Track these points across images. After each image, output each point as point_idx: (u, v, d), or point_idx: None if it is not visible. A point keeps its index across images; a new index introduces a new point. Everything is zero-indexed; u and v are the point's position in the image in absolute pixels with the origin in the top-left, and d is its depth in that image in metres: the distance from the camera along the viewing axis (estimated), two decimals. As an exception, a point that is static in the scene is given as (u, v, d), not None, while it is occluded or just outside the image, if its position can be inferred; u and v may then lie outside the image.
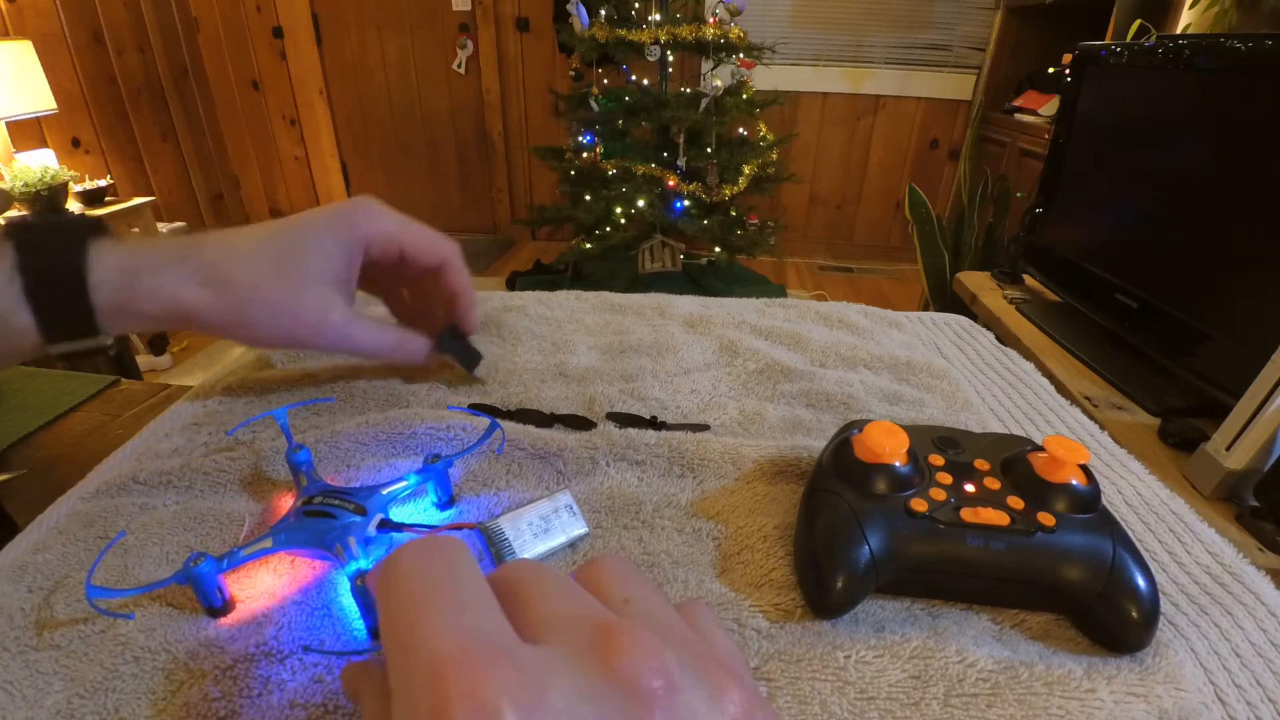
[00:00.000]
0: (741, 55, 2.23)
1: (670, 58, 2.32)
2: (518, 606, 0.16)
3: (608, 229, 2.34)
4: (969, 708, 0.23)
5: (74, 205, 2.11)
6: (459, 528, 0.30)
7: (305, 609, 0.27)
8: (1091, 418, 0.48)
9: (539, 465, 0.36)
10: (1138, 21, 1.51)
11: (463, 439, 0.37)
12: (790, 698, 0.24)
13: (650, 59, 2.18)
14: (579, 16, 2.14)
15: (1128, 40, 1.36)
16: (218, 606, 0.27)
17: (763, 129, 2.42)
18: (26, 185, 1.92)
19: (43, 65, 2.05)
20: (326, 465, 0.36)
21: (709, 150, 2.26)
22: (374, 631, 0.26)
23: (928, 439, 0.32)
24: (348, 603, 0.27)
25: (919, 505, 0.27)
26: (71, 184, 2.07)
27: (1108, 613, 0.25)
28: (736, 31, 2.13)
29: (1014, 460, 0.30)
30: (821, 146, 3.10)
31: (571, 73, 2.61)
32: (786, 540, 0.31)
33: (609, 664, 0.14)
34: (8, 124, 2.08)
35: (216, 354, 2.21)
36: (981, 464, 0.30)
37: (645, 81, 2.35)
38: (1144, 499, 0.36)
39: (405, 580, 0.16)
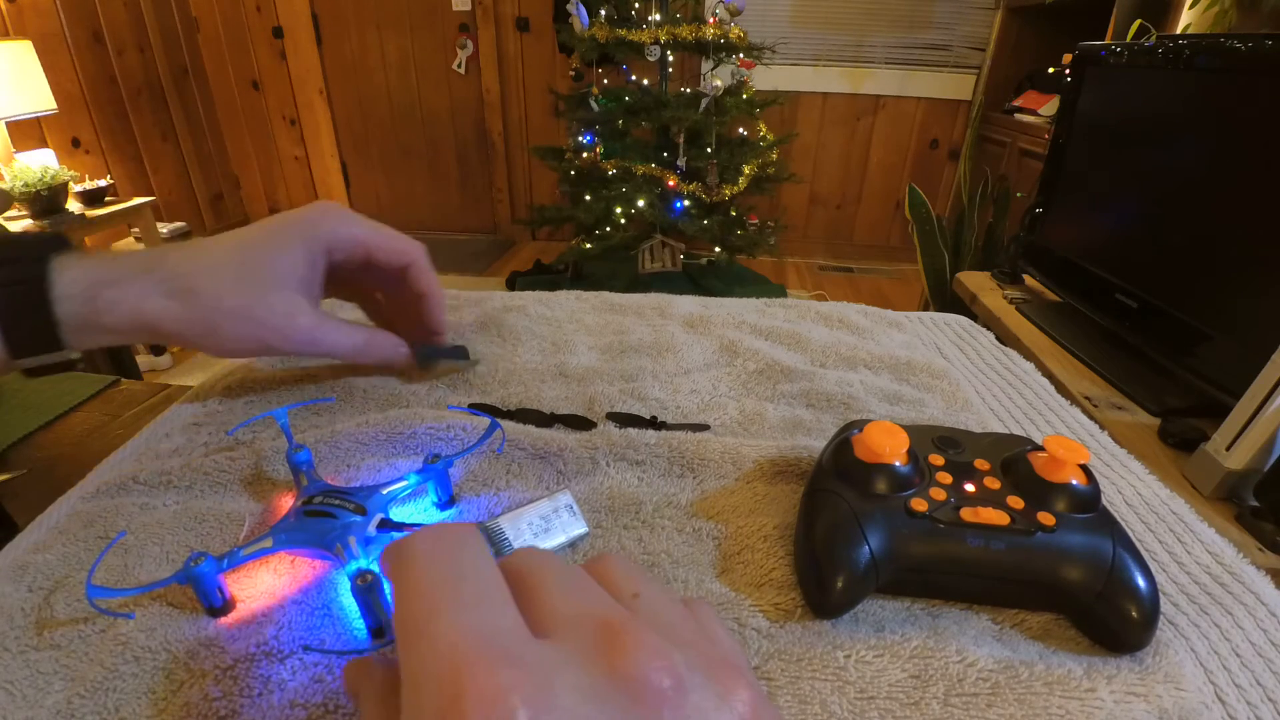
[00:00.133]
0: (741, 55, 2.23)
1: (670, 58, 2.32)
2: (528, 598, 0.16)
3: (608, 229, 2.34)
4: (969, 707, 0.23)
5: (74, 205, 2.10)
6: (459, 528, 0.30)
7: (305, 609, 0.27)
8: (1091, 418, 0.48)
9: (539, 465, 0.36)
10: (1138, 21, 1.51)
11: (463, 439, 0.37)
12: (790, 697, 0.24)
13: (650, 59, 2.18)
14: (579, 16, 2.14)
15: (1128, 40, 1.36)
16: (218, 606, 0.27)
17: (763, 129, 2.42)
18: (26, 185, 1.92)
19: (43, 65, 2.05)
20: (327, 465, 0.36)
21: (709, 150, 2.26)
22: (374, 631, 0.26)
23: (928, 439, 0.32)
24: (348, 603, 0.27)
25: (919, 505, 0.27)
26: (71, 184, 2.07)
27: (1108, 612, 0.25)
28: (736, 31, 2.13)
29: (1014, 460, 0.30)
30: (821, 146, 3.10)
31: (571, 73, 2.61)
32: (786, 540, 0.31)
33: (616, 664, 0.14)
34: (8, 124, 2.08)
35: (216, 354, 2.21)
36: (981, 464, 0.30)
37: (645, 81, 2.35)
38: (1144, 499, 0.36)
39: (420, 568, 0.16)
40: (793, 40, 2.86)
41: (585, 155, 2.37)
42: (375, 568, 0.26)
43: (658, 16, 2.15)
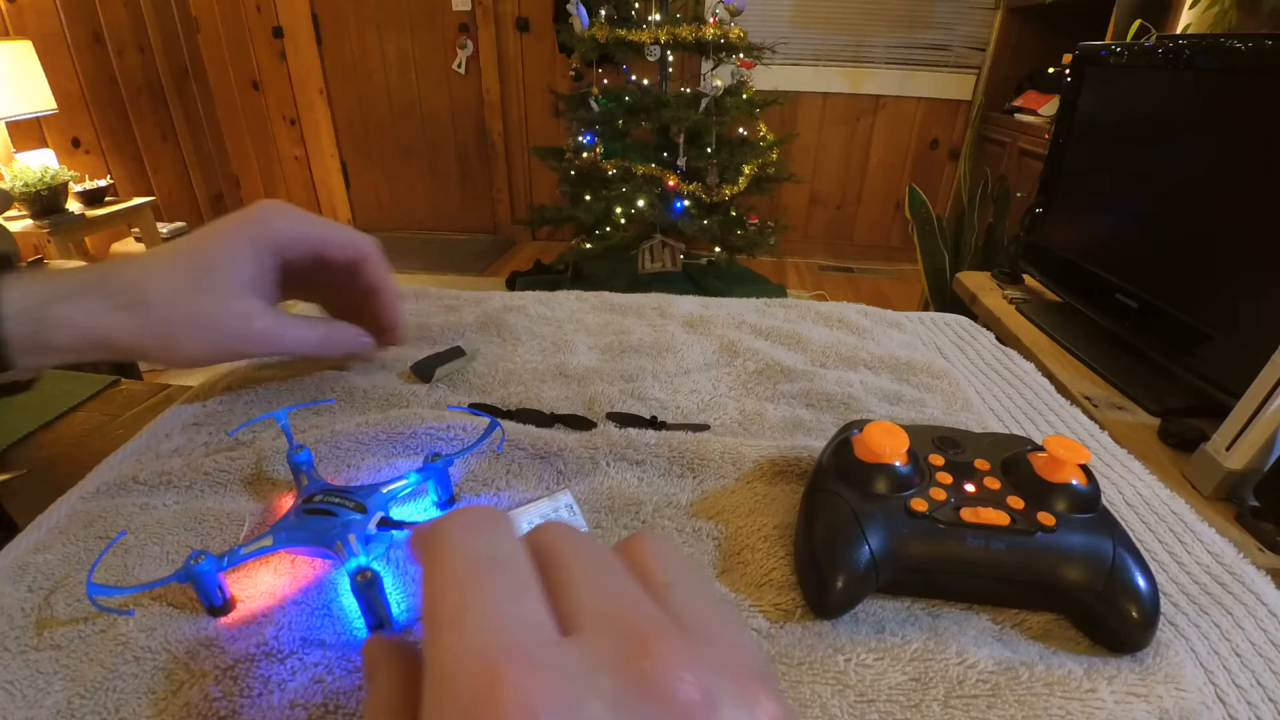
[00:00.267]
0: (741, 55, 2.22)
1: (670, 58, 2.32)
2: (556, 585, 0.16)
3: (608, 229, 2.34)
4: (969, 709, 0.23)
5: (74, 205, 2.11)
6: (459, 527, 0.30)
7: (305, 608, 0.27)
8: (1091, 418, 0.48)
9: (539, 465, 0.36)
10: (1138, 21, 1.52)
11: (463, 439, 0.37)
12: (791, 700, 0.24)
13: (650, 59, 2.18)
14: (579, 16, 2.14)
15: (1128, 40, 1.36)
16: (218, 605, 0.27)
17: (763, 129, 2.42)
18: (26, 185, 1.92)
19: (43, 65, 2.05)
20: (327, 465, 0.36)
21: (709, 150, 2.26)
22: (375, 629, 0.26)
23: (928, 439, 0.32)
24: (348, 602, 0.27)
25: (919, 505, 0.27)
26: (71, 184, 2.07)
27: (1108, 613, 0.25)
28: (736, 31, 2.13)
29: (1014, 460, 0.30)
30: (821, 146, 3.10)
31: (571, 73, 2.61)
32: (786, 540, 0.31)
33: (645, 673, 0.14)
34: (8, 124, 2.08)
35: (216, 354, 2.21)
36: (981, 464, 0.30)
37: (645, 81, 2.35)
38: (1144, 499, 0.36)
39: (450, 553, 0.16)
40: (793, 40, 2.86)
41: (585, 155, 2.37)
42: (375, 565, 0.26)
43: (658, 16, 2.15)
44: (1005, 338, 1.20)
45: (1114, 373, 1.04)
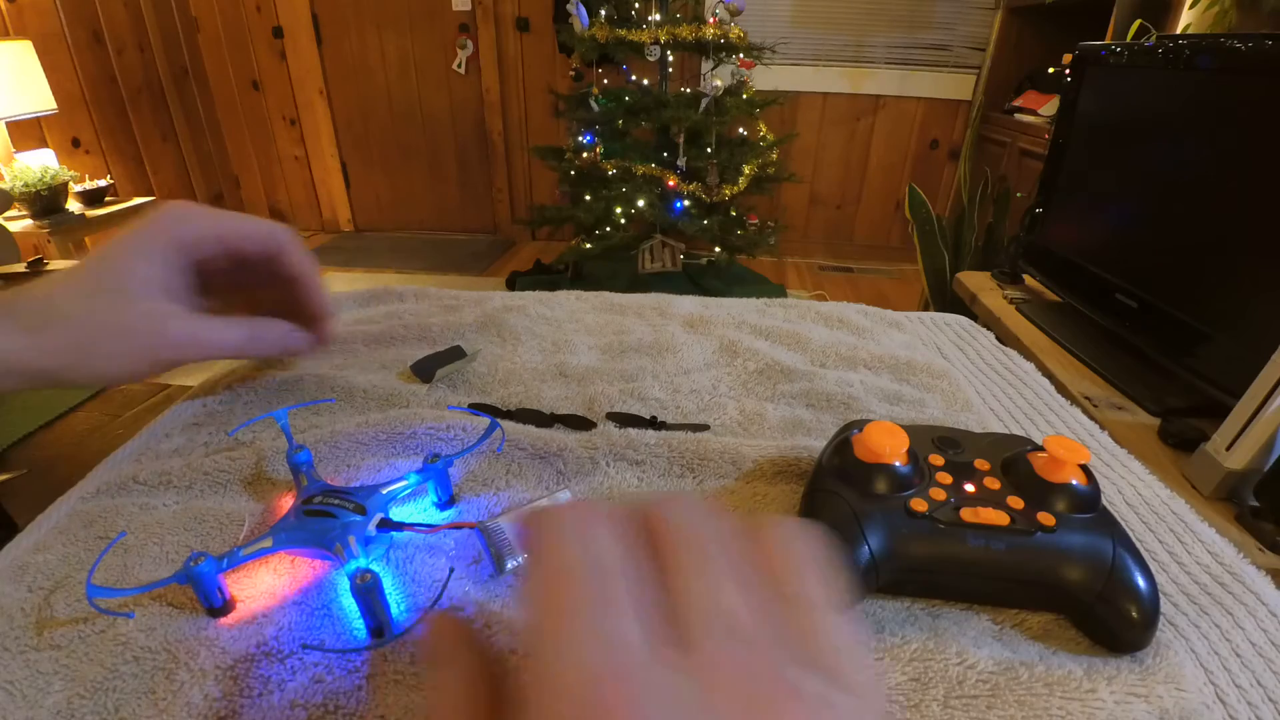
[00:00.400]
0: (741, 55, 2.22)
1: (670, 58, 2.32)
2: (673, 588, 0.15)
3: (608, 229, 2.34)
4: (969, 709, 0.23)
5: (74, 205, 2.11)
6: (459, 527, 0.30)
7: (305, 609, 0.27)
8: (1091, 418, 0.48)
9: (539, 465, 0.36)
10: (1138, 21, 1.51)
11: (462, 439, 0.37)
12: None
13: (650, 59, 2.18)
14: (579, 16, 2.14)
15: (1128, 40, 1.36)
16: (218, 606, 0.27)
17: (763, 129, 2.42)
18: (26, 185, 1.92)
19: (43, 65, 2.05)
20: (326, 465, 0.36)
21: (709, 150, 2.26)
22: (374, 631, 0.26)
23: (928, 439, 0.32)
24: (348, 603, 0.27)
25: (919, 505, 0.27)
26: (71, 184, 2.07)
27: (1108, 613, 0.25)
28: (736, 31, 2.13)
29: (1014, 460, 0.30)
30: (821, 146, 3.10)
31: (571, 73, 2.61)
32: (786, 540, 0.31)
33: None
34: (8, 124, 2.08)
35: (216, 354, 2.21)
36: (981, 464, 0.30)
37: (645, 81, 2.35)
38: (1144, 499, 0.36)
39: (555, 560, 0.15)
40: (793, 40, 2.86)
41: (585, 155, 2.37)
42: (375, 567, 0.26)
43: (658, 16, 2.15)
44: (1005, 338, 1.20)
45: (1114, 373, 1.04)
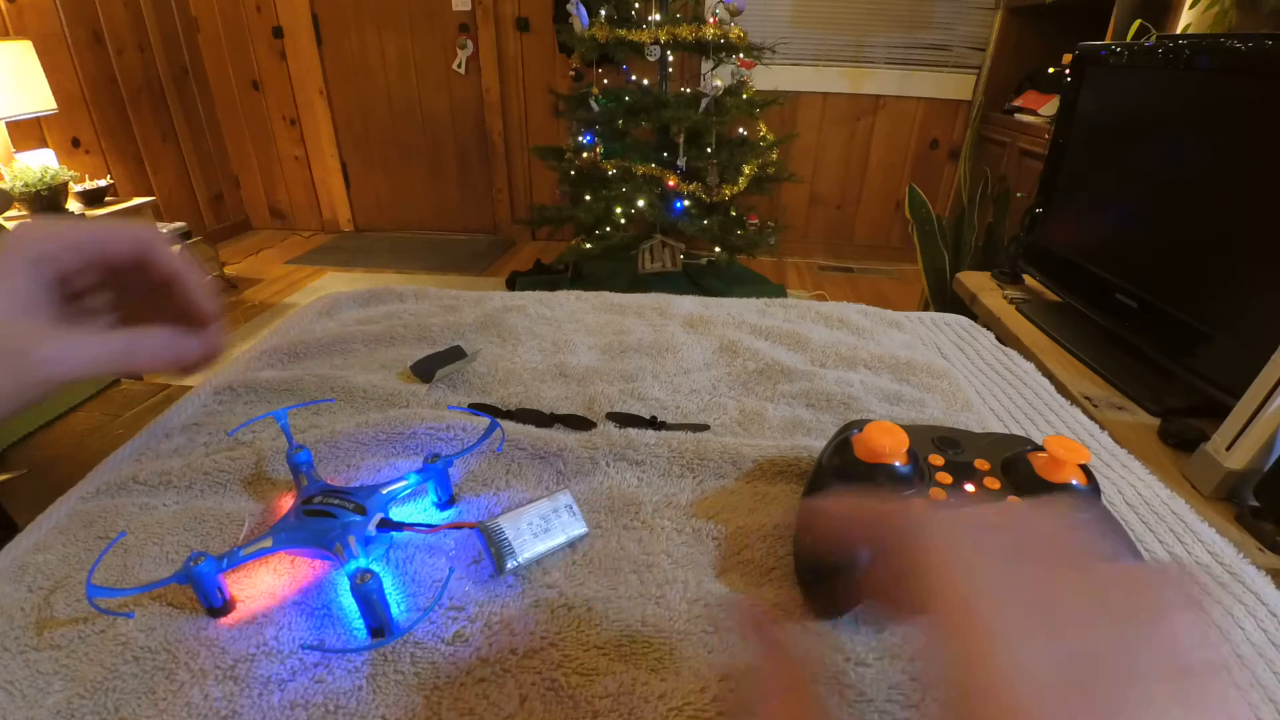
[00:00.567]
0: (741, 55, 2.22)
1: (670, 58, 2.32)
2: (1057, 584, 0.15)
3: (608, 229, 2.34)
4: (969, 708, 0.23)
5: (74, 205, 2.11)
6: (459, 527, 0.30)
7: (305, 609, 0.27)
8: (1091, 418, 0.48)
9: (539, 465, 0.36)
10: (1138, 21, 1.51)
11: (462, 439, 0.37)
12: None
13: (650, 59, 2.18)
14: (579, 16, 2.14)
15: (1128, 40, 1.36)
16: (218, 606, 0.27)
17: (763, 129, 2.42)
18: (26, 185, 1.92)
19: (43, 65, 2.05)
20: (326, 465, 0.36)
21: (709, 150, 2.26)
22: (374, 631, 0.26)
23: (928, 439, 0.32)
24: (348, 602, 0.27)
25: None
26: (71, 184, 2.08)
27: (1108, 613, 0.25)
28: (736, 31, 2.13)
29: (1014, 460, 0.30)
30: (821, 146, 3.10)
31: (571, 73, 2.61)
32: (786, 540, 0.31)
33: None
34: (8, 124, 2.08)
35: (216, 354, 2.21)
36: (981, 464, 0.30)
37: (645, 81, 2.35)
38: (1144, 499, 0.36)
39: (966, 598, 0.15)
40: (793, 40, 2.86)
41: (585, 155, 2.37)
42: (375, 567, 0.26)
43: (658, 16, 2.15)
44: (1005, 338, 1.20)
45: (1114, 373, 1.04)
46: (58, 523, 0.32)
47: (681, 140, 2.26)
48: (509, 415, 0.40)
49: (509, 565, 0.28)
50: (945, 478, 0.29)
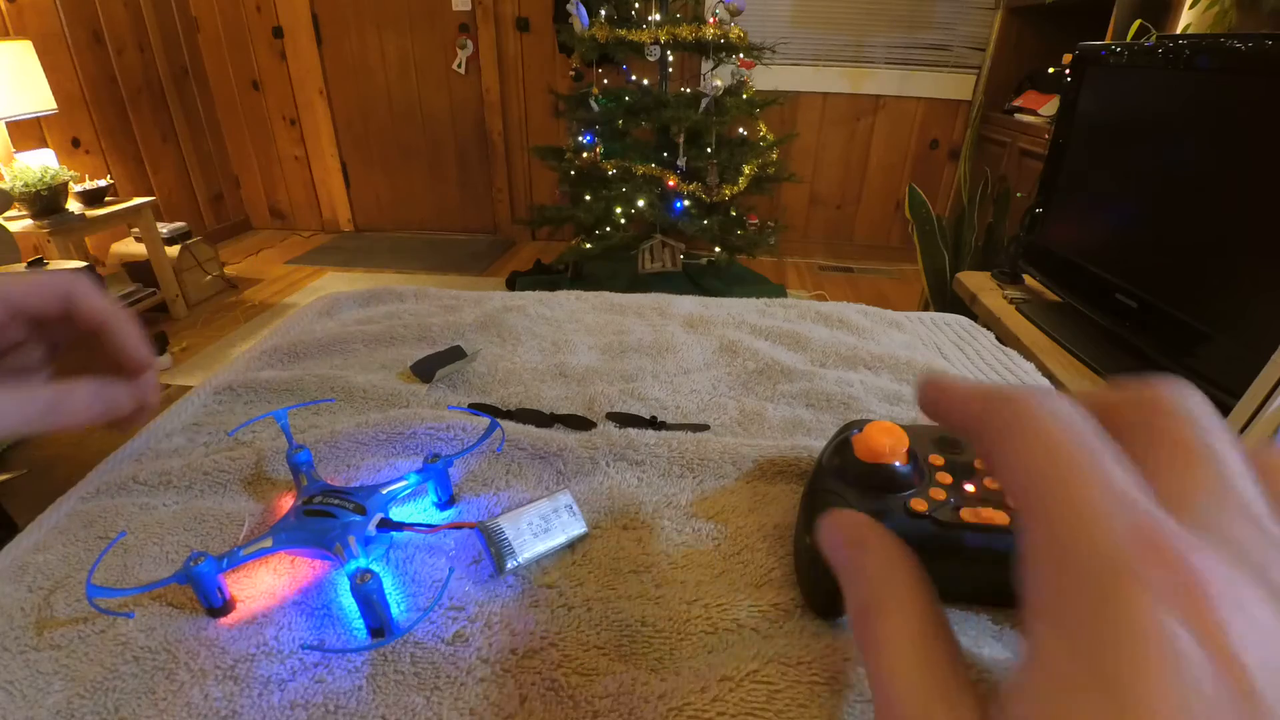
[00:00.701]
0: (741, 55, 2.22)
1: (670, 58, 2.32)
2: (1176, 464, 0.14)
3: (608, 229, 2.34)
4: (969, 708, 0.23)
5: (74, 205, 2.11)
6: (459, 527, 0.30)
7: (305, 609, 0.27)
8: (1091, 418, 0.47)
9: (539, 465, 0.36)
10: (1138, 21, 1.52)
11: (462, 439, 0.37)
12: (789, 701, 0.24)
13: (650, 59, 2.18)
14: (579, 16, 2.14)
15: (1128, 40, 1.36)
16: (218, 606, 0.27)
17: (763, 129, 2.42)
18: (26, 185, 1.92)
19: (43, 65, 2.05)
20: (326, 465, 0.36)
21: (709, 150, 2.26)
22: (374, 631, 0.26)
23: (928, 439, 0.32)
24: (348, 602, 0.27)
25: (919, 505, 0.27)
26: (71, 184, 2.08)
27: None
28: (736, 31, 2.13)
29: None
30: (821, 146, 3.10)
31: (571, 73, 2.61)
32: (786, 540, 0.31)
33: None
34: (8, 124, 2.09)
35: (217, 354, 2.21)
36: (981, 464, 0.30)
37: (645, 81, 2.35)
38: (1144, 499, 0.36)
39: (1056, 423, 0.14)
40: (793, 40, 2.86)
41: (585, 155, 2.37)
42: (375, 567, 0.26)
43: (658, 16, 2.15)
44: (1005, 338, 1.20)
45: (1114, 373, 1.04)
46: (58, 523, 0.32)
47: (681, 140, 2.26)
48: (509, 415, 0.40)
49: (509, 565, 0.28)
50: (945, 478, 0.29)
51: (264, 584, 0.28)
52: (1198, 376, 0.90)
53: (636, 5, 2.21)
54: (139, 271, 2.39)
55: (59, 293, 0.33)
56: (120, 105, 2.65)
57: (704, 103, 2.20)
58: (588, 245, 2.33)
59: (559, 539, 0.30)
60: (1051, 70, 2.35)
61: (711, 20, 2.12)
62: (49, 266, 1.52)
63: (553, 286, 1.44)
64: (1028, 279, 1.45)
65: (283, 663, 0.24)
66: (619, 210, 2.30)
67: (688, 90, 2.29)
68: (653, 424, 0.40)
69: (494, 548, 0.29)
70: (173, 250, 2.43)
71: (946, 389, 0.17)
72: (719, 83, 2.20)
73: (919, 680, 0.15)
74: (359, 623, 0.26)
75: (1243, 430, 0.74)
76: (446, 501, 0.33)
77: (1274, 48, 0.83)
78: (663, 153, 2.37)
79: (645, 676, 0.24)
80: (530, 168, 3.29)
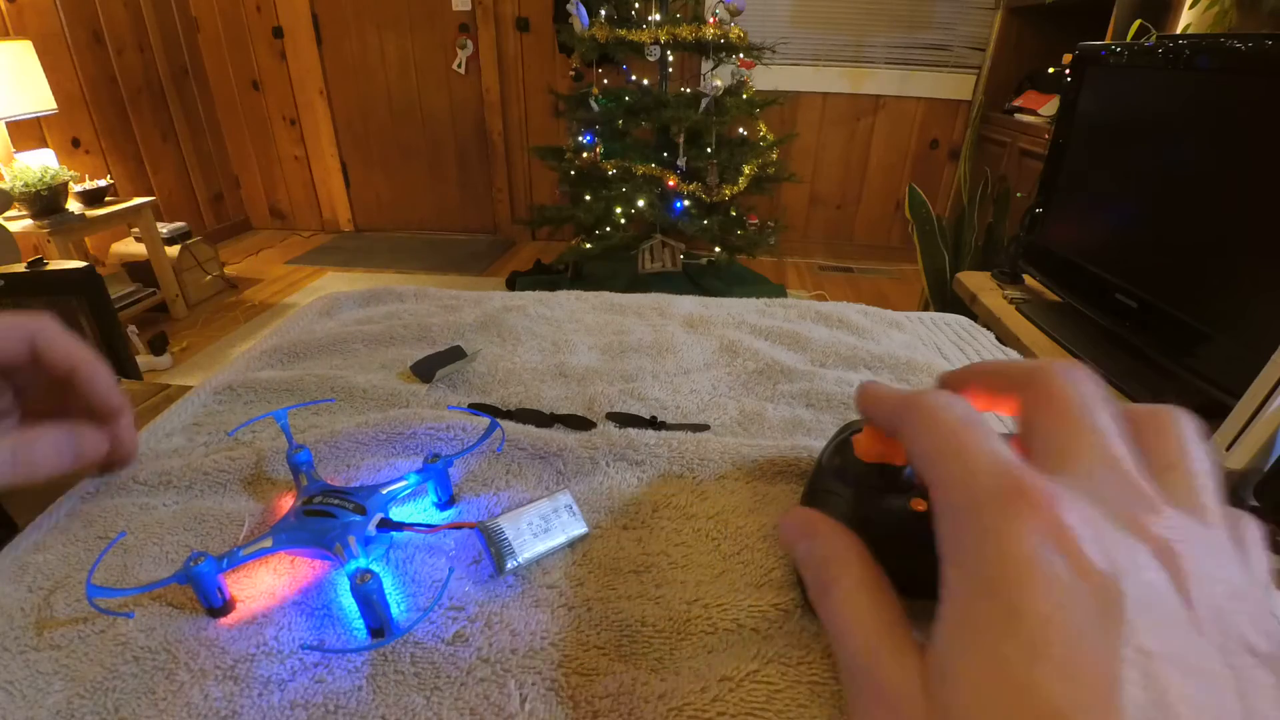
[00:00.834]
0: (741, 55, 2.23)
1: (670, 58, 2.32)
2: (1051, 430, 0.18)
3: (608, 229, 2.34)
4: (969, 708, 0.23)
5: (74, 205, 2.11)
6: (459, 527, 0.30)
7: (305, 609, 0.27)
8: (1091, 418, 0.47)
9: (539, 465, 0.36)
10: (1138, 21, 1.52)
11: (462, 439, 0.37)
12: (789, 701, 0.24)
13: (650, 59, 2.18)
14: (579, 16, 2.15)
15: (1128, 40, 1.36)
16: (218, 606, 0.27)
17: (763, 129, 2.42)
18: (26, 185, 1.92)
19: (43, 65, 2.06)
20: (326, 465, 0.36)
21: (709, 150, 2.26)
22: (374, 631, 0.26)
23: (928, 439, 0.32)
24: (348, 602, 0.27)
25: (919, 505, 0.27)
26: (71, 184, 2.08)
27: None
28: (736, 31, 2.13)
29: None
30: (821, 146, 3.10)
31: (571, 73, 2.61)
32: (786, 540, 0.31)
33: (1135, 519, 0.15)
34: (8, 124, 2.09)
35: (216, 354, 2.22)
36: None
37: (645, 81, 2.35)
38: (1144, 499, 0.36)
39: (942, 412, 0.18)
40: (793, 40, 2.86)
41: (585, 155, 2.37)
42: (375, 567, 0.26)
43: (658, 16, 2.15)
44: (1005, 338, 1.20)
45: (1114, 373, 1.04)
46: (58, 523, 0.32)
47: (681, 140, 2.26)
48: (509, 415, 0.40)
49: (509, 565, 0.28)
50: (945, 478, 0.29)
51: (264, 584, 0.28)
52: (1198, 376, 0.90)
53: (636, 5, 2.21)
54: (139, 271, 2.40)
55: (23, 336, 0.31)
56: (120, 105, 2.65)
57: (704, 103, 2.20)
58: (588, 245, 2.33)
59: (559, 539, 0.30)
60: (1051, 70, 2.36)
61: (711, 20, 2.12)
62: (48, 265, 1.52)
63: (553, 286, 1.44)
64: (1028, 279, 1.45)
65: (283, 663, 0.24)
66: (619, 210, 2.30)
67: (688, 90, 2.29)
68: (653, 424, 0.40)
69: (494, 548, 0.29)
70: (173, 250, 2.43)
71: (875, 395, 0.22)
72: (719, 83, 2.20)
73: (871, 630, 0.19)
74: (359, 623, 0.26)
75: (1242, 430, 0.74)
76: (446, 502, 0.33)
77: (1274, 48, 0.83)
78: (663, 153, 2.37)
79: (645, 676, 0.24)
80: (530, 168, 3.30)
